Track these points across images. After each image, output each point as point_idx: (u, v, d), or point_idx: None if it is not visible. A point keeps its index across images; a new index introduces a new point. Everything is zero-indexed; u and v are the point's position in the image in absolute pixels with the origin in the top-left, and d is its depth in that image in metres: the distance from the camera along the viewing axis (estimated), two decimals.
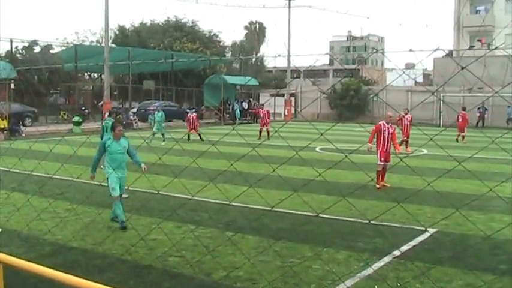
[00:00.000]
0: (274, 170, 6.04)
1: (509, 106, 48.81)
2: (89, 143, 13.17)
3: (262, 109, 34.96)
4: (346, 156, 5.89)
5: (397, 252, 9.54)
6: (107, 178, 11.48)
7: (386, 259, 9.24)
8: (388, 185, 16.27)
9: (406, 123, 26.27)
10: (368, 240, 10.50)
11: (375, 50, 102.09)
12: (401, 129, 26.20)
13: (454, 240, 10.63)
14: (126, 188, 11.68)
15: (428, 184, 5.58)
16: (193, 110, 34.94)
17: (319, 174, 6.16)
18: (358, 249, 9.88)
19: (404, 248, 9.90)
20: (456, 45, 63.80)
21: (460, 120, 32.51)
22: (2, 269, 4.32)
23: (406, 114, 26.91)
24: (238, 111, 53.32)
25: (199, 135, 31.87)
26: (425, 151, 25.65)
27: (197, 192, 10.20)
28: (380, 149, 16.36)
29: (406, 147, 25.98)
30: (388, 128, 16.39)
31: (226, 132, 24.99)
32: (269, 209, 11.92)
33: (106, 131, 25.37)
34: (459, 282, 8.13)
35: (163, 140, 29.86)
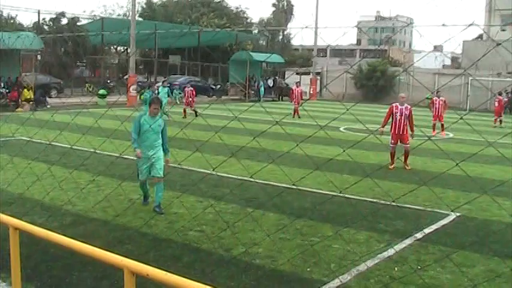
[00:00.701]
0: (297, 145, 5.93)
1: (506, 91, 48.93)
2: (113, 116, 13.17)
3: (298, 87, 33.87)
4: (372, 133, 5.78)
5: (418, 235, 9.44)
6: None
7: (408, 241, 9.14)
8: (408, 168, 15.97)
9: (437, 106, 25.72)
10: (389, 221, 10.39)
11: (405, 25, 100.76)
12: (433, 112, 25.79)
13: (477, 225, 10.48)
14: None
15: (457, 164, 5.44)
16: (190, 84, 34.13)
17: (343, 151, 6.07)
18: (380, 231, 9.78)
19: (426, 231, 9.78)
20: (487, 28, 62.82)
21: (497, 105, 32.18)
22: (18, 235, 4.30)
23: (439, 97, 26.38)
24: (262, 89, 53.02)
25: (195, 111, 29.11)
26: (452, 134, 25.38)
27: (217, 166, 10.14)
28: (392, 131, 16.10)
29: (433, 131, 25.53)
30: (400, 109, 16.02)
31: (250, 108, 24.95)
32: (291, 186, 11.90)
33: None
34: (481, 268, 8.01)
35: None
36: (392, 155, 16.13)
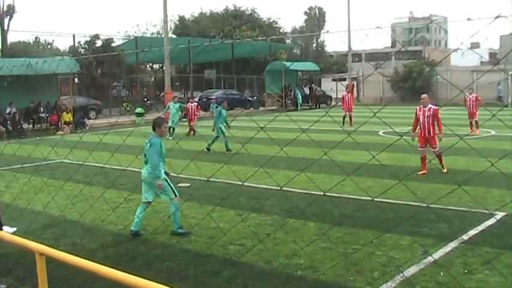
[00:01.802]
0: (325, 154, 5.82)
1: (499, 84, 51.13)
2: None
3: (347, 94, 33.53)
4: (401, 136, 5.63)
5: (464, 237, 9.21)
6: (165, 179, 10.26)
7: (453, 244, 8.92)
8: (444, 170, 15.55)
9: (470, 103, 25.15)
10: (433, 225, 10.16)
11: (429, 21, 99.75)
12: (468, 111, 25.28)
13: None
14: (186, 176, 11.47)
15: (492, 165, 5.28)
16: (195, 99, 32.67)
17: (373, 157, 5.93)
18: (423, 235, 9.57)
19: (472, 232, 9.54)
20: None
21: None
22: (45, 261, 4.28)
23: (470, 94, 25.85)
24: (300, 97, 52.89)
25: (192, 129, 28.13)
26: (493, 132, 24.91)
27: (248, 178, 10.04)
28: (419, 133, 15.74)
29: (471, 129, 25.03)
30: (423, 111, 15.47)
31: (288, 118, 24.81)
32: (331, 194, 11.77)
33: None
34: None
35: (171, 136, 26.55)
36: (423, 160, 15.61)
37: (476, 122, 24.97)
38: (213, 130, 21.75)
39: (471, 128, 25.17)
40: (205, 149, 20.73)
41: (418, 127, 15.59)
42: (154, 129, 10.31)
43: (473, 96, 25.44)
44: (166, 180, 10.23)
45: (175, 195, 10.20)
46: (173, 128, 27.43)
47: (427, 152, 15.47)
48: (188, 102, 30.70)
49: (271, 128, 22.84)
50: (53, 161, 18.82)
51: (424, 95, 16.18)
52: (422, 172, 15.32)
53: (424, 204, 10.99)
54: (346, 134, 5.43)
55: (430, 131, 15.42)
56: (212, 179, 14.26)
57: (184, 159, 15.81)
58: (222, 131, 21.44)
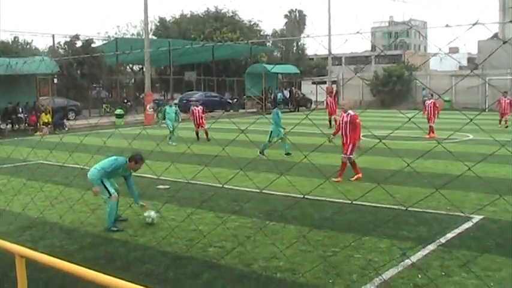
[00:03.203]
0: (305, 157, 5.87)
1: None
2: (131, 135, 13.17)
3: (330, 97, 33.78)
4: (380, 141, 5.67)
5: (442, 240, 9.29)
6: (101, 181, 10.73)
7: (431, 247, 8.99)
8: (353, 179, 15.18)
9: (504, 105, 26.37)
10: (412, 228, 10.25)
11: (409, 26, 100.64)
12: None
13: (502, 228, 10.29)
14: (166, 178, 11.57)
15: (469, 169, 5.36)
16: (199, 103, 29.21)
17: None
18: (402, 238, 9.64)
19: (450, 235, 9.63)
20: (501, 27, 62.39)
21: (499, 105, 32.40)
22: (25, 263, 4.26)
23: (429, 99, 27.04)
24: (281, 100, 52.79)
25: (206, 133, 26.49)
26: (471, 136, 25.14)
27: (229, 180, 10.06)
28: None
29: (428, 133, 25.81)
30: (343, 116, 15.51)
31: (268, 121, 24.80)
32: (310, 197, 11.81)
33: (164, 118, 25.89)
34: (508, 271, 7.85)
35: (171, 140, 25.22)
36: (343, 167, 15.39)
37: (430, 126, 26.01)
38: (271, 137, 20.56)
39: (433, 132, 26.11)
40: (259, 154, 19.91)
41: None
42: (129, 160, 10.72)
43: (431, 102, 26.67)
44: (102, 182, 10.65)
45: (110, 195, 10.65)
46: (172, 132, 25.45)
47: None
48: (191, 107, 27.99)
49: (252, 131, 22.82)
50: (32, 162, 18.68)
51: (344, 101, 16.36)
52: (338, 179, 15.05)
53: (403, 208, 11.08)
54: (325, 137, 5.46)
55: (347, 137, 15.26)
56: (192, 181, 14.25)
57: (164, 161, 15.82)
58: (281, 133, 20.19)
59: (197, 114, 26.65)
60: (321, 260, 8.39)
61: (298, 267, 8.16)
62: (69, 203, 12.10)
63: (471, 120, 4.64)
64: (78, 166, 13.31)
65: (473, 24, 3.53)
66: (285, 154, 20.03)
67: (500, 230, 10.11)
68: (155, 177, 14.57)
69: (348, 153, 15.13)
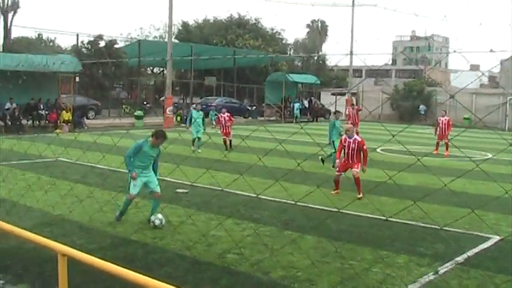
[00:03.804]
0: (333, 166, 5.90)
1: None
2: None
3: (353, 108, 33.80)
4: (418, 160, 5.71)
5: (459, 259, 9.31)
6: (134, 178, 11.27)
7: (449, 265, 9.02)
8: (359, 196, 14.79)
9: (442, 126, 25.99)
10: (429, 244, 10.28)
11: (456, 50, 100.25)
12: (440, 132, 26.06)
13: None
14: (188, 183, 11.74)
15: (504, 189, 5.38)
16: (225, 106, 28.09)
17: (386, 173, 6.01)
18: (419, 254, 9.67)
19: (468, 254, 9.64)
20: None
21: None
22: (67, 262, 4.36)
23: (443, 116, 26.81)
24: (297, 110, 52.74)
25: (230, 142, 25.34)
26: (490, 155, 25.04)
27: (264, 190, 10.10)
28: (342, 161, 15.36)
29: (436, 149, 25.81)
30: (349, 142, 14.99)
31: (286, 130, 24.85)
32: (330, 209, 11.85)
33: (191, 123, 24.72)
34: None
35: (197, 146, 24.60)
36: (336, 182, 15.25)
37: (446, 143, 25.61)
38: (329, 143, 20.47)
39: (436, 148, 25.85)
40: (320, 160, 20.05)
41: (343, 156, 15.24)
42: (151, 136, 11.26)
43: (445, 119, 26.36)
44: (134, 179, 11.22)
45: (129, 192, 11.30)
46: (198, 138, 24.62)
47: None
48: (219, 114, 26.90)
49: (267, 138, 22.86)
50: (51, 159, 18.86)
51: (348, 126, 15.70)
52: (336, 192, 15.08)
53: (421, 224, 11.09)
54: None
55: (355, 159, 14.91)
56: (210, 187, 14.35)
57: (184, 165, 15.90)
58: (334, 145, 19.49)
59: (223, 122, 25.36)
60: (339, 272, 8.44)
61: (316, 278, 8.22)
62: (89, 202, 12.23)
63: (454, 133, 4.67)
64: (100, 166, 13.47)
65: (502, 50, 3.59)
66: (322, 159, 20.24)
67: None
68: (174, 180, 14.72)
69: (358, 168, 14.83)
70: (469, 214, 10.71)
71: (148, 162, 11.34)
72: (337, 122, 20.59)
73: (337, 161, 15.24)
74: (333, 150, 19.46)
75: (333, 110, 61.86)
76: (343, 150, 15.11)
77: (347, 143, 14.87)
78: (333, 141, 19.91)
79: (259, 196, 11.64)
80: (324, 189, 14.75)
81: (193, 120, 25.02)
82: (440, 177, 15.56)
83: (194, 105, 31.02)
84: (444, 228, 11.24)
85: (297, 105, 53.28)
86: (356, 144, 14.73)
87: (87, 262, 4.20)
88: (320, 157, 20.09)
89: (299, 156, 15.14)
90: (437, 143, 25.96)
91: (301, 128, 6.08)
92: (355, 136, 15.00)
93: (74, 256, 4.22)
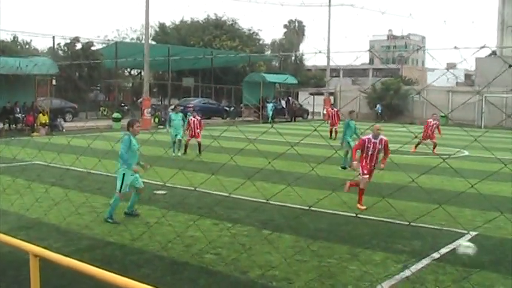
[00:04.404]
0: (313, 169, 5.94)
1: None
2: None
3: (332, 109, 34.01)
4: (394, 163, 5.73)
5: (436, 255, 9.38)
6: (123, 174, 11.63)
7: (425, 261, 9.08)
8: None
9: (430, 127, 26.03)
10: (406, 242, 10.35)
11: (418, 47, 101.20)
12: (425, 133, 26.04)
13: (494, 244, 10.42)
14: (163, 184, 11.80)
15: (472, 186, 5.43)
16: (201, 107, 24.49)
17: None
18: (396, 251, 9.74)
19: (444, 250, 9.73)
20: (500, 45, 62.74)
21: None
22: (38, 263, 4.33)
23: (434, 119, 26.59)
24: (271, 111, 52.21)
25: (199, 145, 23.43)
26: (467, 152, 25.25)
27: (235, 190, 10.12)
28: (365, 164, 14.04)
29: (415, 147, 25.77)
30: (374, 143, 13.75)
31: (261, 130, 24.91)
32: (307, 208, 11.87)
33: (170, 125, 23.83)
34: (501, 287, 7.95)
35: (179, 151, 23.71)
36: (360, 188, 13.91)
37: (434, 142, 25.52)
38: (342, 144, 20.17)
39: (415, 147, 25.62)
40: (340, 168, 19.59)
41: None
42: (128, 128, 11.96)
43: (435, 123, 26.09)
44: (123, 175, 11.62)
45: (119, 191, 11.57)
46: (179, 141, 23.73)
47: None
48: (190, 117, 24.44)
49: (245, 139, 22.82)
50: (27, 162, 18.72)
51: (378, 125, 14.49)
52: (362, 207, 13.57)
53: (398, 221, 11.17)
54: (319, 148, 5.55)
55: (375, 160, 13.95)
56: (187, 188, 14.32)
57: (162, 167, 15.87)
58: (350, 145, 19.39)
59: (192, 125, 23.93)
60: (316, 271, 8.47)
61: (293, 276, 8.23)
62: (66, 205, 12.15)
63: (476, 139, 4.72)
64: (76, 169, 13.38)
65: (481, 48, 3.64)
66: (341, 167, 19.55)
67: (493, 247, 10.23)
68: (153, 182, 14.67)
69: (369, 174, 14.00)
70: (445, 210, 10.81)
71: (136, 156, 11.80)
72: (352, 122, 20.20)
73: (355, 162, 13.87)
74: (347, 150, 19.40)
75: (310, 110, 62.39)
76: (365, 152, 13.84)
77: (372, 143, 13.70)
78: (348, 142, 19.62)
79: (231, 195, 11.61)
80: (298, 188, 14.80)
81: (171, 122, 23.94)
82: (413, 175, 15.73)
83: (172, 107, 30.49)
84: (422, 225, 11.34)
85: (270, 105, 53.03)
86: (382, 145, 13.72)
87: (60, 263, 4.16)
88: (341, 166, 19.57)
89: (273, 156, 15.17)
90: (419, 143, 25.54)
91: (272, 126, 6.10)
92: (381, 136, 13.87)
93: (46, 257, 4.19)
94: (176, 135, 23.65)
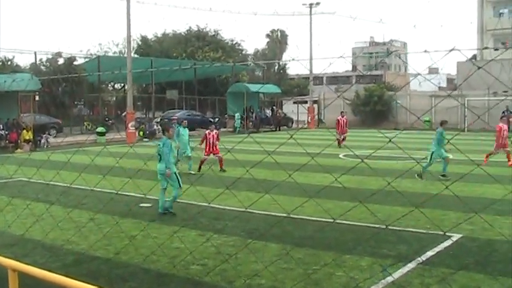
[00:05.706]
0: (289, 176, 5.96)
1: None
2: (108, 153, 13.27)
3: (342, 117, 33.47)
4: (362, 160, 5.76)
5: (422, 258, 9.42)
6: (174, 173, 13.46)
7: (411, 265, 9.12)
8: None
9: (341, 123, 27.27)
10: (392, 246, 10.38)
11: (393, 51, 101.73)
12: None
13: (480, 246, 10.47)
14: (144, 196, 11.81)
15: (446, 187, 5.47)
16: (214, 126, 23.25)
17: (336, 179, 6.09)
18: (382, 256, 9.76)
19: (429, 254, 9.77)
20: (480, 48, 63.22)
21: None
22: (17, 277, 4.30)
23: (343, 116, 27.12)
24: (238, 121, 52.95)
25: (220, 161, 21.60)
26: (450, 156, 25.39)
27: (214, 198, 10.12)
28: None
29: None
30: None
31: (247, 139, 24.99)
32: (292, 216, 11.88)
33: (177, 136, 22.51)
34: None
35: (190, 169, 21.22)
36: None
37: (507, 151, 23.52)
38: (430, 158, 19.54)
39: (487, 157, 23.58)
40: (416, 176, 18.83)
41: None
42: (164, 133, 14.24)
43: (345, 119, 31.35)
44: (175, 173, 13.45)
45: (180, 186, 13.33)
46: (189, 157, 21.48)
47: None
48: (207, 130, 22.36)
49: (236, 150, 22.90)
50: (12, 179, 18.60)
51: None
52: None
53: (383, 226, 11.20)
54: (305, 156, 5.56)
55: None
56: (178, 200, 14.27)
57: (149, 180, 15.83)
58: (431, 157, 19.22)
59: (211, 140, 21.63)
60: (303, 278, 8.47)
61: (280, 285, 8.24)
62: (50, 220, 12.08)
63: (448, 141, 4.75)
64: (60, 184, 13.31)
65: (450, 50, 3.68)
66: (441, 175, 18.80)
67: (478, 248, 10.28)
68: (138, 195, 14.63)
69: None
70: (430, 214, 10.89)
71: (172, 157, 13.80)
72: (444, 132, 19.32)
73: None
74: (429, 162, 18.99)
75: (295, 118, 62.50)
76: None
77: None
78: (432, 152, 19.15)
79: (217, 207, 11.63)
80: (283, 196, 14.80)
81: (180, 137, 21.34)
82: (402, 180, 15.82)
83: (157, 120, 29.79)
84: (407, 229, 11.38)
85: (236, 115, 53.66)
86: None
87: (40, 277, 4.14)
88: (416, 174, 18.99)
89: (258, 165, 15.19)
90: (491, 153, 23.31)
91: (248, 135, 6.13)
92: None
93: (24, 271, 4.16)
94: (184, 152, 21.44)
